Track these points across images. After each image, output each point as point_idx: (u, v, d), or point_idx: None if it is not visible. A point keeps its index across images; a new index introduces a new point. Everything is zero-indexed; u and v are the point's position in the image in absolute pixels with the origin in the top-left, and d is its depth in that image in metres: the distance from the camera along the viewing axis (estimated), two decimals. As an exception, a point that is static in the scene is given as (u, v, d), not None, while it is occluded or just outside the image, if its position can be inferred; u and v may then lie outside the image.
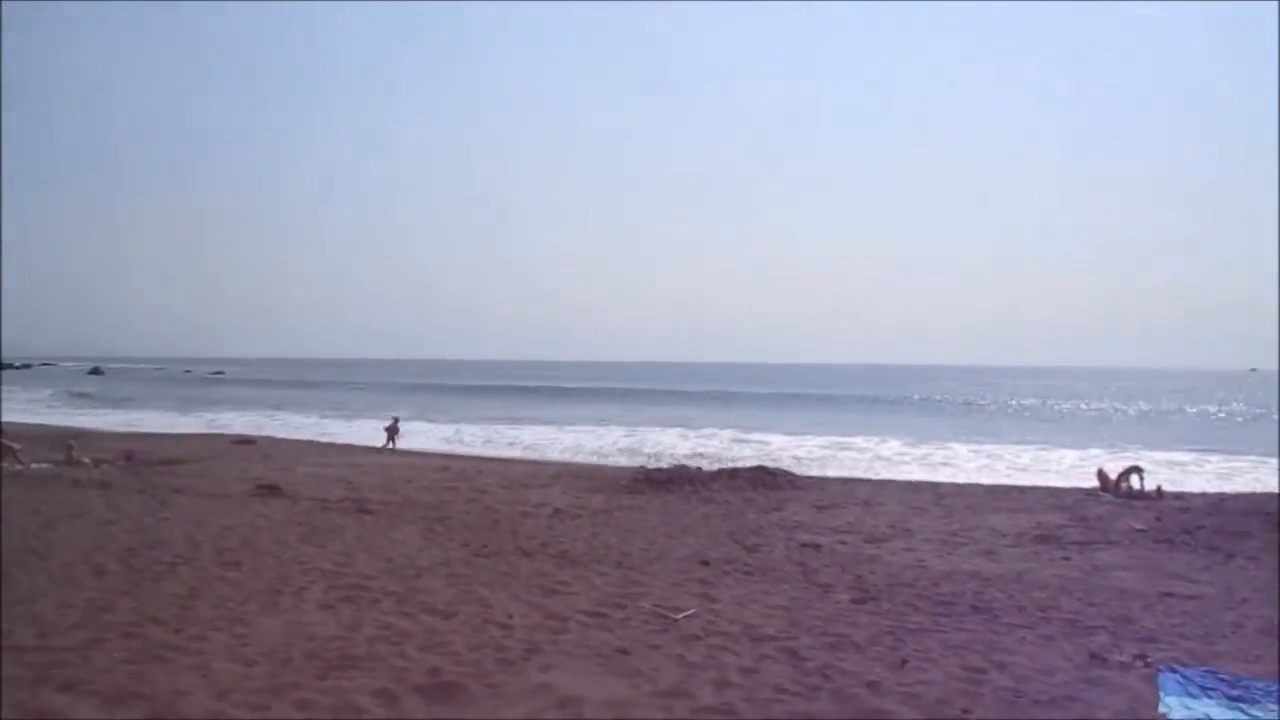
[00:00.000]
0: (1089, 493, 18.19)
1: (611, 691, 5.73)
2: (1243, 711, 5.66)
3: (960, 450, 33.19)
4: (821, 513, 15.37)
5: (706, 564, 10.40)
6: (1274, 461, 27.06)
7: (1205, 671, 6.46)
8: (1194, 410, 67.57)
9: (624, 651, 6.62)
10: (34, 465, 18.94)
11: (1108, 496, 17.71)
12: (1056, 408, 70.89)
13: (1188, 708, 5.69)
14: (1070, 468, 27.42)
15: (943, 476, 24.22)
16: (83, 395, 69.26)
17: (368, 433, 35.45)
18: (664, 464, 22.89)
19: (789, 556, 11.35)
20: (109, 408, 55.57)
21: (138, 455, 21.41)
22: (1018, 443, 36.33)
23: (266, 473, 18.68)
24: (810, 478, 20.16)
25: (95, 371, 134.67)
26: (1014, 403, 75.87)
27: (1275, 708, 5.73)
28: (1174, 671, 6.44)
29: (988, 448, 34.03)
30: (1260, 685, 6.15)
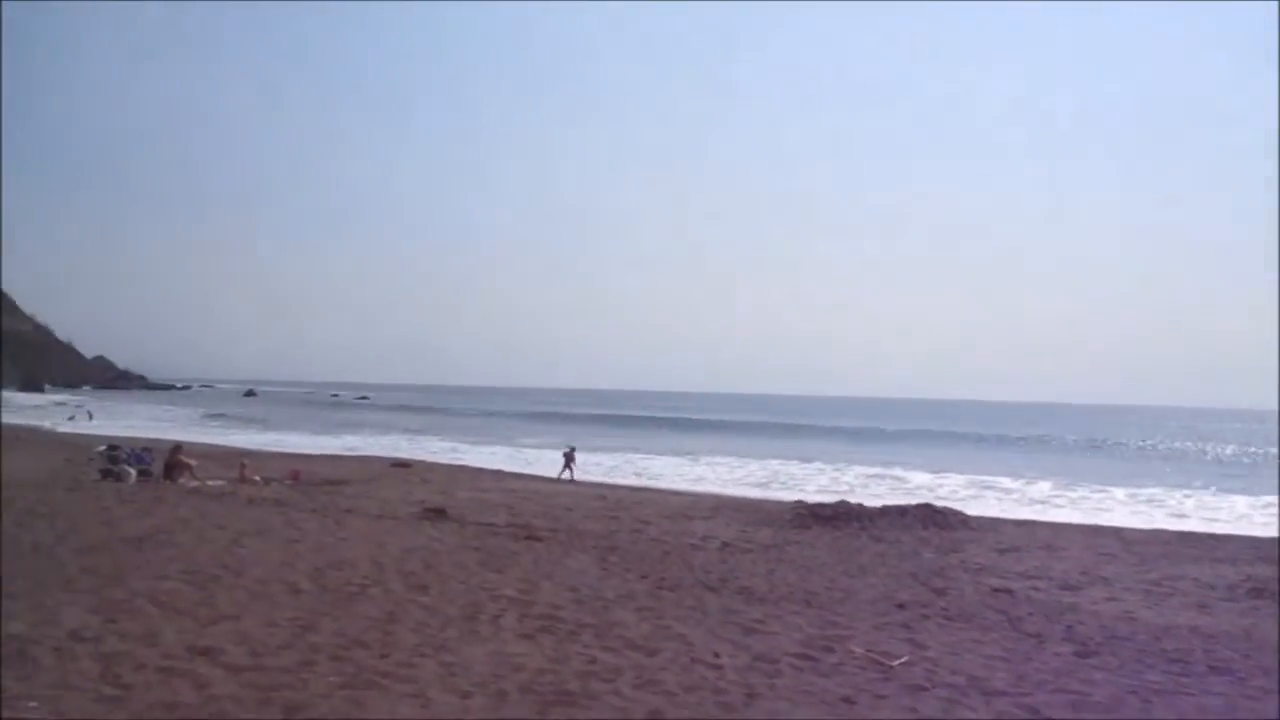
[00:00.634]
0: (1294, 544, 16.77)
1: (852, 745, 5.30)
2: None
3: (1117, 494, 31.35)
4: (1003, 556, 14.55)
5: (902, 607, 9.84)
6: None
7: None
8: None
9: (849, 700, 6.18)
10: (209, 482, 19.58)
11: (1316, 549, 16.28)
12: (1192, 448, 66.82)
13: None
14: (1239, 516, 25.60)
15: (1104, 521, 22.92)
16: (246, 418, 72.43)
17: (510, 459, 35.92)
18: (813, 499, 22.34)
19: (983, 602, 10.68)
20: (266, 429, 57.80)
21: (303, 475, 21.96)
22: (1174, 487, 34.04)
23: (428, 496, 18.87)
24: (983, 518, 19.21)
25: (250, 394, 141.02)
26: (1142, 443, 71.85)
27: None
28: None
29: (1146, 491, 32.03)
30: None
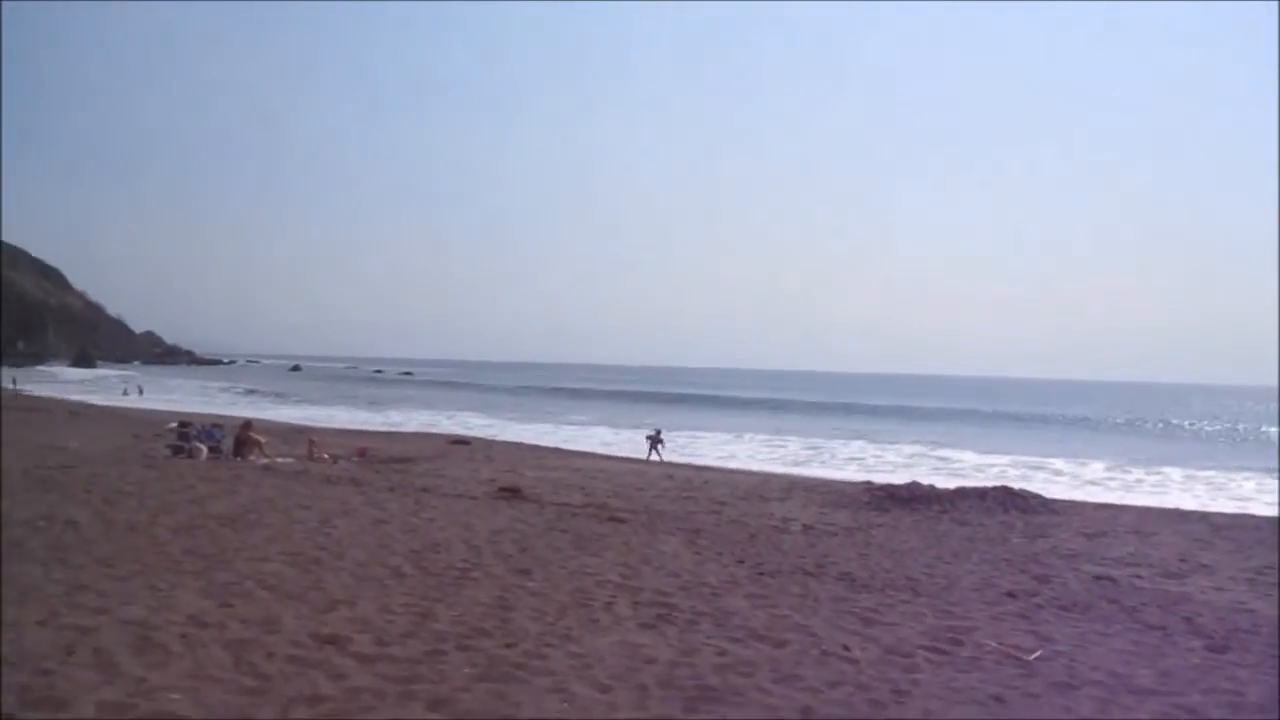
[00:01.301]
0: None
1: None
2: None
3: (1173, 475, 30.72)
4: (1093, 541, 14.18)
5: (1012, 596, 9.55)
6: None
7: None
8: None
9: (999, 699, 5.93)
10: (279, 460, 19.62)
11: None
12: (1223, 428, 65.26)
13: None
14: None
15: (1169, 503, 22.45)
16: (298, 394, 73.05)
17: (564, 437, 36.01)
18: (867, 479, 22.11)
19: (1088, 590, 10.34)
20: (319, 405, 58.21)
21: (369, 452, 21.96)
22: (1230, 469, 33.21)
23: (497, 475, 18.77)
24: (1063, 501, 18.80)
25: (295, 368, 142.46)
26: (1175, 422, 70.26)
27: None
28: None
29: (1203, 473, 31.33)
30: None
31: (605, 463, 24.53)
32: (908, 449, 37.91)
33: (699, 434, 41.87)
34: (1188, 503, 23.32)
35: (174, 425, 20.51)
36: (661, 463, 25.81)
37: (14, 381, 64.90)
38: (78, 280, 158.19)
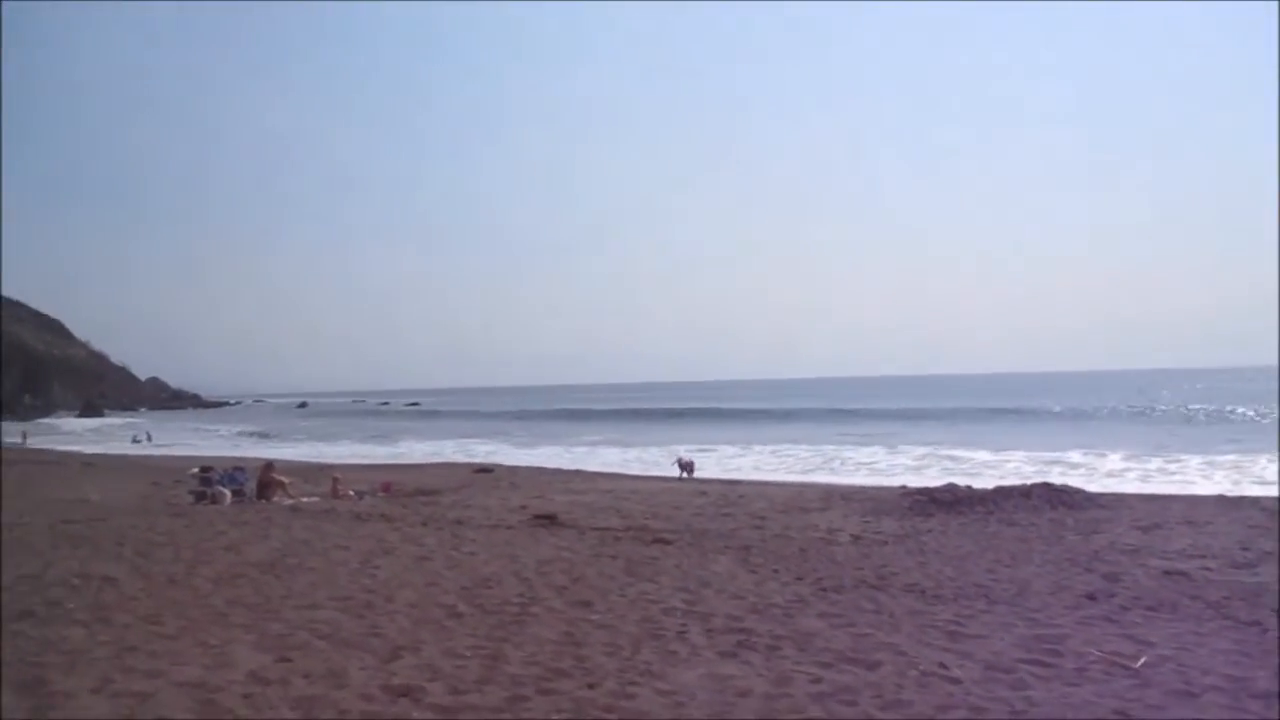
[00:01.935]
0: None
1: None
2: None
3: (1192, 463, 30.30)
4: (1149, 534, 13.78)
5: (1092, 598, 9.17)
6: None
7: None
8: None
9: (1122, 714, 5.56)
10: (304, 499, 19.27)
11: None
12: (1218, 410, 64.34)
13: None
14: None
15: (1196, 490, 22.12)
16: (310, 431, 72.68)
17: (578, 458, 35.78)
18: (897, 484, 21.74)
19: (1162, 586, 9.97)
20: (334, 441, 57.82)
21: (394, 486, 21.61)
22: (1248, 452, 32.73)
23: (528, 502, 18.40)
24: (1108, 495, 18.42)
25: (303, 405, 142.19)
26: (1186, 408, 69.28)
27: None
28: None
29: (1223, 459, 30.91)
30: None
31: (632, 483, 24.14)
32: (918, 450, 37.47)
33: (707, 447, 41.40)
34: (1212, 488, 22.95)
35: (195, 471, 20.19)
36: (690, 479, 25.40)
37: (24, 436, 64.52)
38: (79, 330, 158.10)
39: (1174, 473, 27.95)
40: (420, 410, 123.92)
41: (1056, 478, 23.79)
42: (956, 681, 6.18)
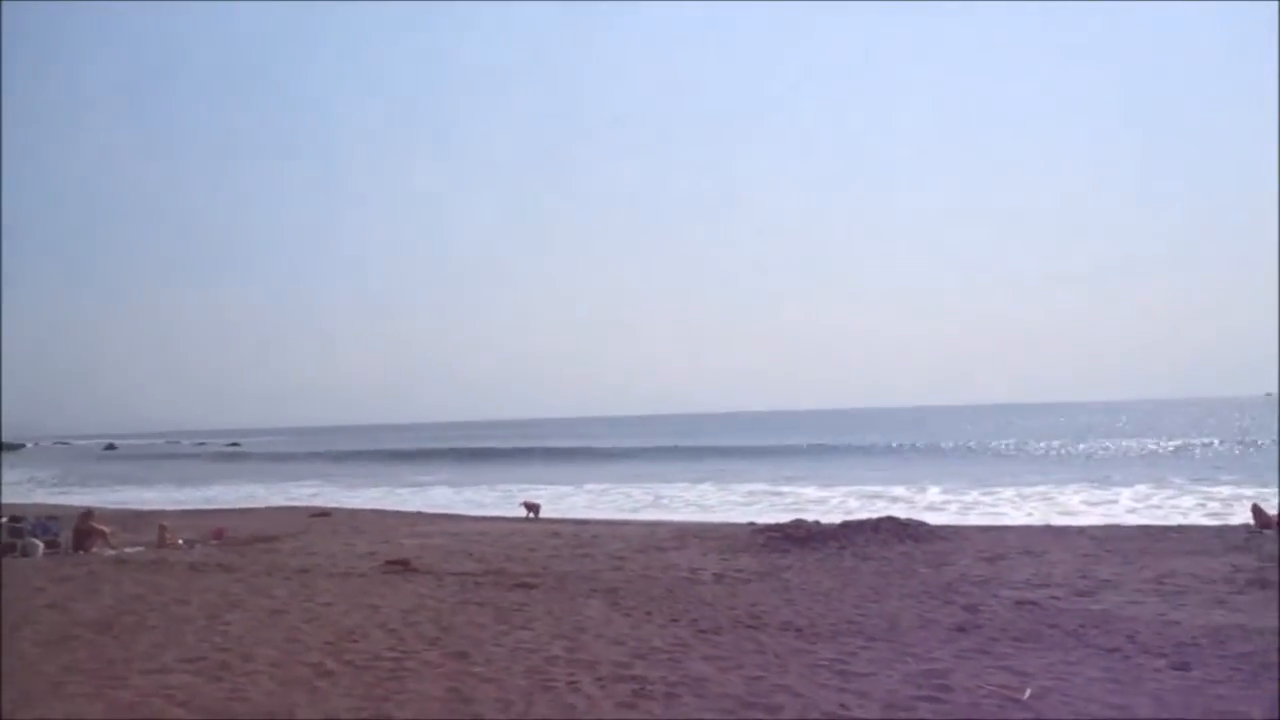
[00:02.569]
0: (1251, 530, 17.18)
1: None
2: None
3: (1005, 494, 32.08)
4: (995, 565, 14.36)
5: (962, 630, 9.41)
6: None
7: None
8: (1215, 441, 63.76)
9: (1026, 748, 5.64)
10: (127, 549, 17.94)
11: (1271, 533, 16.69)
12: (1064, 449, 67.50)
13: None
14: (1141, 508, 26.92)
15: (1006, 521, 23.44)
16: (123, 476, 68.06)
17: (405, 498, 35.00)
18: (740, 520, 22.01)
19: (1019, 616, 10.36)
20: (148, 485, 54.33)
21: (227, 533, 20.39)
22: (1057, 483, 35.10)
23: (374, 547, 17.66)
24: (947, 527, 19.13)
25: (110, 447, 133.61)
26: (1016, 445, 72.10)
27: None
28: None
29: (1032, 489, 32.96)
30: None
31: (478, 524, 23.55)
32: (746, 487, 37.71)
33: (536, 486, 40.33)
34: (1027, 518, 24.24)
35: (2, 520, 18.48)
36: (537, 519, 25.02)
37: None
38: None
39: (990, 505, 29.29)
40: (240, 452, 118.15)
41: (880, 510, 24.47)
42: (863, 724, 6.16)
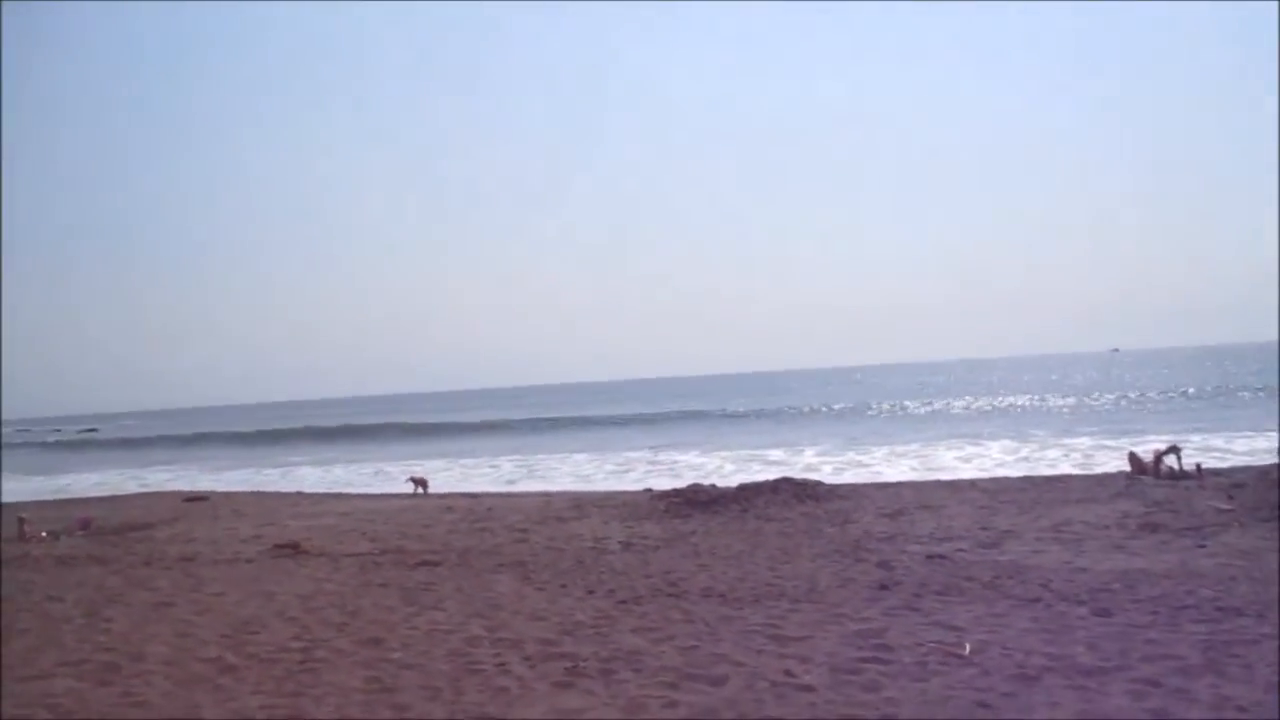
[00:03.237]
0: (1129, 477, 17.81)
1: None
2: None
3: (877, 453, 32.75)
4: (896, 520, 14.48)
5: (885, 587, 9.35)
6: (1262, 434, 27.62)
7: None
8: (1067, 398, 66.65)
9: (984, 705, 5.55)
10: (-18, 546, 16.61)
11: (1148, 479, 17.34)
12: (931, 407, 68.75)
13: None
14: (1011, 460, 27.83)
15: (894, 476, 23.94)
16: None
17: (273, 478, 33.83)
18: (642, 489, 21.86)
19: (934, 570, 10.41)
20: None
21: (95, 522, 19.14)
22: (927, 441, 36.05)
23: (260, 530, 16.79)
24: (845, 485, 19.27)
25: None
26: (876, 405, 72.90)
27: None
28: None
29: (903, 448, 33.74)
30: None
31: (366, 502, 22.68)
32: (625, 455, 37.43)
33: (410, 463, 38.89)
34: (916, 474, 24.74)
35: None
36: (426, 494, 24.28)
37: None
38: None
39: (867, 464, 29.82)
40: (95, 438, 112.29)
41: (755, 474, 24.33)
42: (810, 689, 5.97)
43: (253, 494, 26.81)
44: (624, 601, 9.22)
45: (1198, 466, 17.58)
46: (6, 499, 29.40)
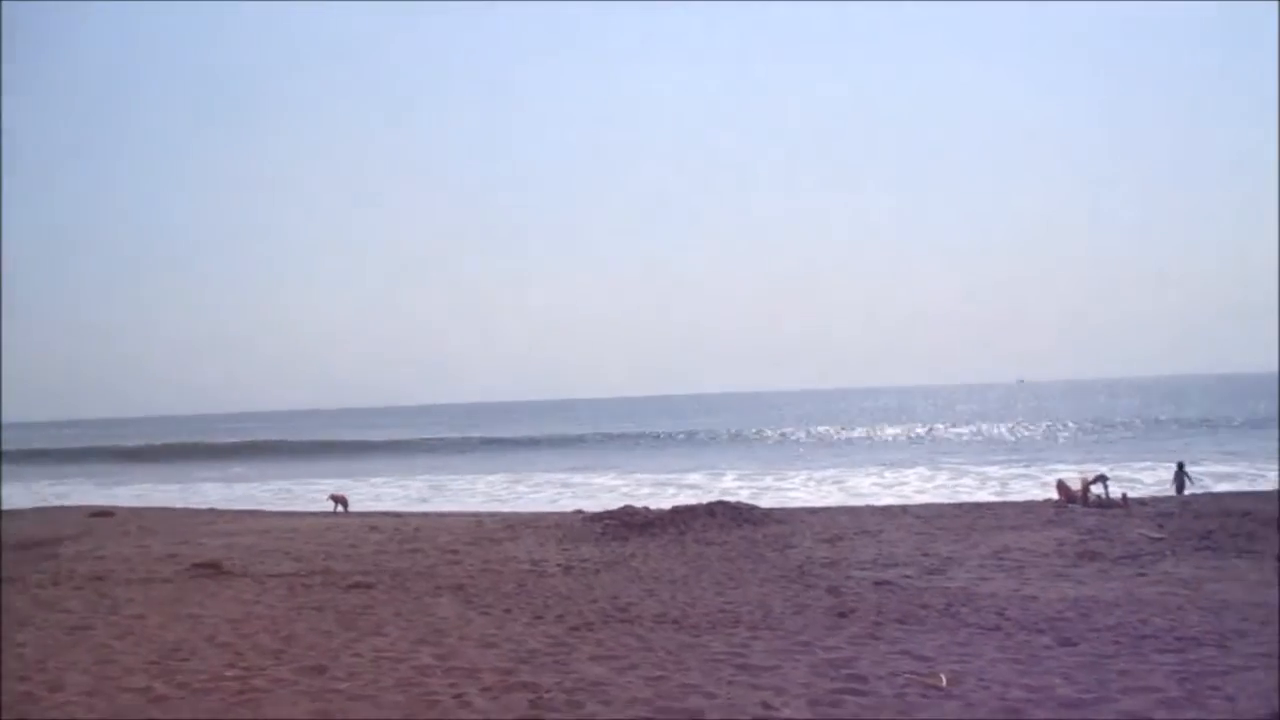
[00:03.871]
0: (1058, 505, 18.06)
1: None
2: None
3: (795, 478, 33.20)
4: (835, 546, 14.41)
5: (844, 615, 9.17)
6: (1161, 465, 28.38)
7: None
8: (973, 427, 65.94)
9: (973, 740, 5.34)
10: None
11: (1078, 507, 17.60)
12: (843, 434, 68.35)
13: None
14: (929, 487, 28.49)
15: (813, 501, 24.20)
16: None
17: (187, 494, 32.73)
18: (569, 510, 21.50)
19: (886, 598, 10.29)
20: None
21: (-9, 540, 18.03)
22: (847, 467, 36.95)
23: (175, 548, 15.97)
24: (780, 510, 19.18)
25: None
26: (781, 432, 71.30)
27: None
28: None
29: (822, 473, 34.41)
30: None
31: (286, 520, 21.79)
32: (540, 477, 36.89)
33: (315, 480, 37.53)
34: (839, 500, 24.91)
35: None
36: (349, 513, 23.51)
37: None
38: None
39: (786, 490, 29.98)
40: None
41: (668, 499, 23.64)
42: (794, 725, 5.71)
43: (162, 510, 25.71)
44: (576, 628, 8.87)
45: (1124, 495, 17.93)
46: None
